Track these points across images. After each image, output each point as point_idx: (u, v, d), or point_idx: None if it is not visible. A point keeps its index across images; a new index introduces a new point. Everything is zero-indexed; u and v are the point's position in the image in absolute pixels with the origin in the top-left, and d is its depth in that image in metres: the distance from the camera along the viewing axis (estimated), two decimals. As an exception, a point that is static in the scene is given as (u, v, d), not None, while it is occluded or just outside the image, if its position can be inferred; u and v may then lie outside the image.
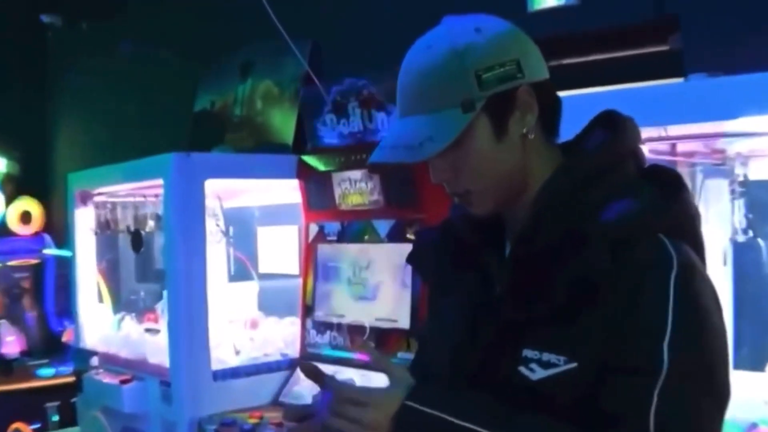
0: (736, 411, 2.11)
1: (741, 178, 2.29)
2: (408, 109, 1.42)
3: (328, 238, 3.64)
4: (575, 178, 1.39)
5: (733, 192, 2.31)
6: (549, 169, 1.43)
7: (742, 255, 2.50)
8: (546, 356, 1.33)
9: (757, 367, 2.43)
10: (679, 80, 2.45)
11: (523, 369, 1.35)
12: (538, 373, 1.34)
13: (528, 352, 1.35)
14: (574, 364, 1.31)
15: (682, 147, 2.39)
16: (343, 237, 3.58)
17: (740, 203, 2.29)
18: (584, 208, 1.36)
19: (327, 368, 3.51)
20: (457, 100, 1.36)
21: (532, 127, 1.40)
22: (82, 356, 4.24)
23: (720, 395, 1.29)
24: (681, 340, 1.24)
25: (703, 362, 1.27)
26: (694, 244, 1.39)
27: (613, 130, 1.44)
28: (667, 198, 1.38)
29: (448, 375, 1.49)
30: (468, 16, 1.43)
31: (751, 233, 2.30)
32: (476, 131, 1.37)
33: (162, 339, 3.70)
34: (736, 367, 2.45)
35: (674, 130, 2.26)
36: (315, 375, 1.46)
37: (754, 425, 2.23)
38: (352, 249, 3.53)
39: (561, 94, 1.48)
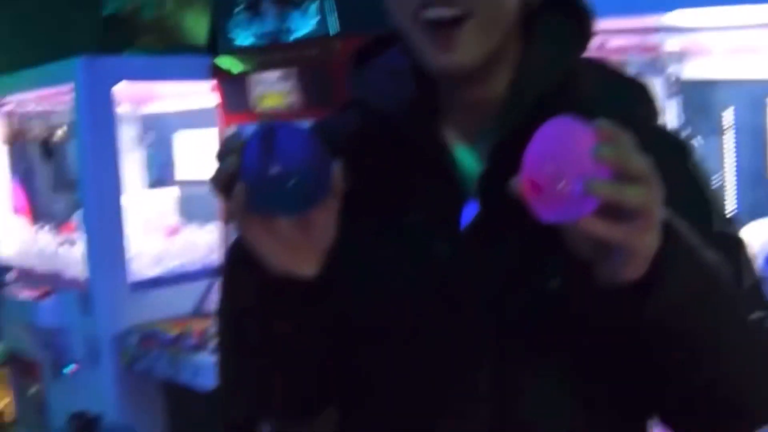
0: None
1: (674, 78, 2.21)
2: None
3: (248, 141, 3.52)
4: (563, 70, 1.18)
5: (667, 90, 2.23)
6: (517, 57, 1.18)
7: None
8: None
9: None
10: (608, -30, 2.37)
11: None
12: None
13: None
14: None
15: (612, 42, 2.30)
16: (262, 140, 3.46)
17: (674, 102, 2.23)
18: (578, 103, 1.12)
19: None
20: None
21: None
22: (-3, 271, 4.12)
23: None
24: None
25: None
26: None
27: (579, 17, 1.22)
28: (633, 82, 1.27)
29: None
30: None
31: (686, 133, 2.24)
32: None
33: (79, 251, 3.62)
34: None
35: (603, 24, 2.18)
36: None
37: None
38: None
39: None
